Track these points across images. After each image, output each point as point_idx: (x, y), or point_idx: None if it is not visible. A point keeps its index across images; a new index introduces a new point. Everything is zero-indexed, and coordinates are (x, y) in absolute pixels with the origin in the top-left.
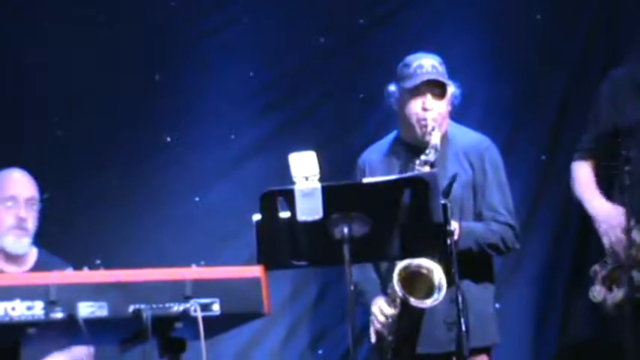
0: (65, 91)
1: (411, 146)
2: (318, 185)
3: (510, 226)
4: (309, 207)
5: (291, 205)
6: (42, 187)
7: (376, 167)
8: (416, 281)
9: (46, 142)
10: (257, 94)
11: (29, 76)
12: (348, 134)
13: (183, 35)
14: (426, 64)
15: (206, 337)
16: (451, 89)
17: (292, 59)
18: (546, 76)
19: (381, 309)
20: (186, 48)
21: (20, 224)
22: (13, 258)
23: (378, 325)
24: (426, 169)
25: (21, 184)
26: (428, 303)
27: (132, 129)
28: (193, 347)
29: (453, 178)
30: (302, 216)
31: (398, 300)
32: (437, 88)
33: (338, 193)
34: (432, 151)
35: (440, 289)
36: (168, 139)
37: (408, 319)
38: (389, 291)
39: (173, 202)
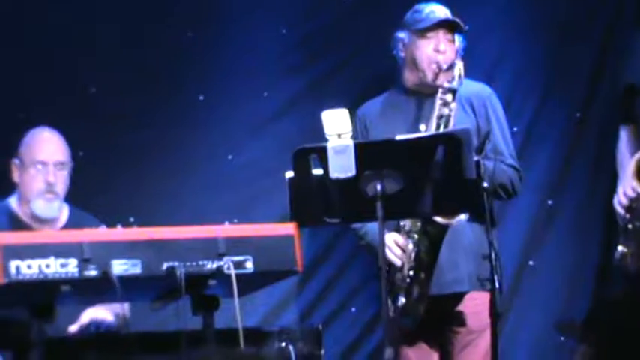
0: (98, 49)
1: (416, 94)
2: (351, 142)
3: (516, 169)
4: (341, 164)
5: (323, 163)
6: (76, 146)
7: (378, 118)
8: None
9: (79, 99)
10: (290, 51)
11: (61, 34)
12: (381, 91)
13: None
14: (438, 10)
15: (239, 294)
16: (458, 42)
17: (324, 15)
18: (580, 32)
19: (396, 240)
20: (219, 4)
21: (50, 189)
22: (44, 220)
23: (395, 258)
24: (449, 97)
25: (50, 148)
26: (461, 218)
27: (165, 87)
28: (226, 304)
29: (486, 136)
30: (335, 173)
31: (414, 232)
32: (449, 34)
33: (370, 151)
34: (457, 78)
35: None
36: (201, 97)
37: (428, 247)
38: (402, 223)
39: (206, 160)
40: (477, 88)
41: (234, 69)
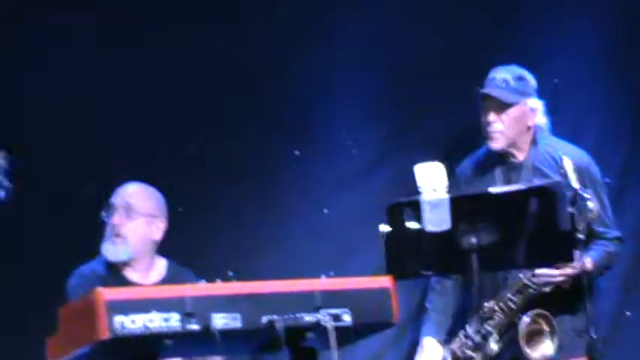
0: (197, 109)
1: (503, 157)
2: (447, 196)
3: (619, 239)
4: (437, 218)
5: (417, 216)
6: (175, 202)
7: (470, 178)
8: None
9: (179, 157)
10: (383, 105)
11: (161, 94)
12: (476, 144)
13: (312, 49)
14: (499, 76)
15: (337, 347)
16: (532, 103)
17: (416, 71)
18: None
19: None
20: (314, 63)
21: (113, 231)
22: (131, 265)
23: None
24: None
25: (122, 192)
26: (546, 354)
27: (262, 143)
28: (324, 357)
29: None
30: (430, 227)
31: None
32: (495, 102)
33: (465, 204)
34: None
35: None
36: (297, 152)
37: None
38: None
39: (302, 214)
40: (575, 155)
41: (328, 123)
